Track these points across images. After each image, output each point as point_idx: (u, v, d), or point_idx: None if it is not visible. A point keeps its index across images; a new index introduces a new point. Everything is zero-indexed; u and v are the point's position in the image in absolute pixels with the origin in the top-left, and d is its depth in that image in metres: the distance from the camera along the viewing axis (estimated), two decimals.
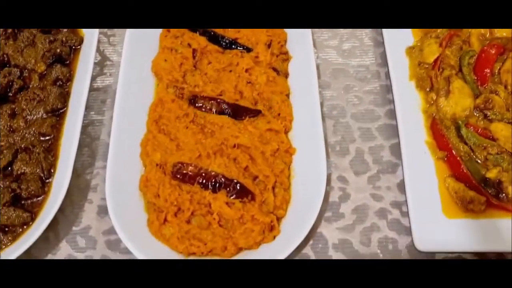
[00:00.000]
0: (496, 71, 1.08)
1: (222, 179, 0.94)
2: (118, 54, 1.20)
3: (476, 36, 1.13)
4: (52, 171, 0.98)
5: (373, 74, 1.16)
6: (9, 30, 1.14)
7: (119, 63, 1.15)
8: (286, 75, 1.10)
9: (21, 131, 1.02)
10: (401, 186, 1.00)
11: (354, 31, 1.22)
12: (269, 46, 1.11)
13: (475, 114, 1.04)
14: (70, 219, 0.98)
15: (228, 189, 0.93)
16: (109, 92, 1.14)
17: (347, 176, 1.03)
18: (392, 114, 1.09)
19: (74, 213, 0.99)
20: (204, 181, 0.94)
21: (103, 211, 0.99)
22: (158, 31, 1.16)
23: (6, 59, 1.11)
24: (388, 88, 1.13)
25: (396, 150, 1.04)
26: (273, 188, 0.95)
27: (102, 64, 1.19)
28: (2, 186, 0.95)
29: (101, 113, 1.11)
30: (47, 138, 1.02)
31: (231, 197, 0.92)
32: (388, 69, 1.08)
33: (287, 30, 1.14)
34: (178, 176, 0.95)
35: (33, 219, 0.93)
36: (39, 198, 0.96)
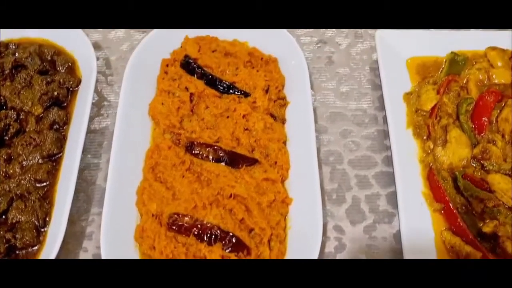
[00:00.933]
0: (494, 119, 1.08)
1: (218, 232, 0.94)
2: (116, 94, 1.20)
3: (474, 82, 1.13)
4: (48, 219, 0.98)
5: (371, 118, 1.16)
6: (7, 71, 1.14)
7: (117, 104, 1.15)
8: (283, 121, 1.10)
9: (17, 177, 1.02)
10: (397, 237, 1.00)
11: (352, 73, 1.22)
12: (266, 91, 1.11)
13: (473, 164, 1.04)
14: None
15: (224, 242, 0.93)
16: (106, 134, 1.14)
17: (343, 225, 1.02)
18: (389, 161, 1.09)
19: None
20: (200, 232, 0.94)
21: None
22: (156, 72, 1.16)
23: (3, 101, 1.11)
24: (385, 134, 1.13)
25: (392, 198, 1.04)
26: (269, 241, 0.94)
27: (99, 105, 1.18)
28: None
29: (98, 156, 1.11)
30: (43, 184, 1.02)
31: (227, 251, 0.92)
32: (385, 115, 1.09)
33: (285, 74, 1.14)
34: (174, 227, 0.95)
35: None
36: (34, 248, 0.96)
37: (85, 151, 1.09)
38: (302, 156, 1.03)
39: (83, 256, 0.99)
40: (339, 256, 0.99)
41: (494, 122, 1.08)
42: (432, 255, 0.94)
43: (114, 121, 1.14)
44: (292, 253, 0.94)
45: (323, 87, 1.20)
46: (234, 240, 0.93)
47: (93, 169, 1.09)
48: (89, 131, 1.13)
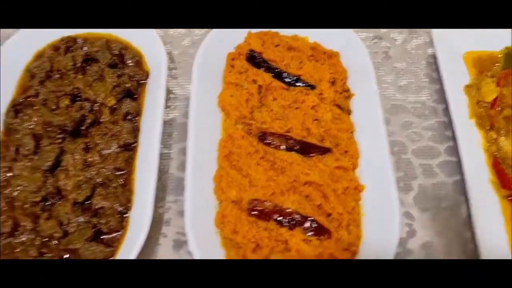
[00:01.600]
0: None
1: (298, 216, 0.97)
2: (181, 87, 1.23)
3: None
4: (129, 205, 1.01)
5: (430, 110, 1.19)
6: (78, 64, 1.18)
7: (183, 96, 1.20)
8: (349, 112, 1.13)
9: (97, 166, 1.05)
10: (466, 223, 1.04)
11: (409, 67, 1.26)
12: (332, 83, 1.15)
13: None
14: (146, 253, 1.01)
15: (304, 226, 0.96)
16: (174, 126, 1.17)
17: (413, 212, 1.06)
18: (451, 151, 1.13)
19: (150, 248, 1.01)
20: (280, 217, 0.97)
21: (178, 245, 1.02)
22: (220, 66, 1.19)
23: (77, 93, 1.14)
24: (446, 125, 1.17)
25: (458, 187, 1.08)
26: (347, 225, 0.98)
27: (166, 97, 1.21)
28: (83, 220, 0.98)
29: (168, 147, 1.14)
30: (122, 172, 1.05)
31: (308, 234, 0.96)
32: (447, 107, 1.13)
33: (348, 67, 1.18)
34: (254, 213, 0.98)
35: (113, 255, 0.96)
36: (117, 233, 0.99)
37: None
38: (371, 145, 1.06)
39: (162, 241, 1.03)
40: (411, 241, 1.02)
41: None
42: (503, 239, 0.98)
43: (182, 113, 1.18)
44: (368, 238, 0.98)
45: (382, 81, 1.23)
46: (315, 225, 0.96)
47: (165, 158, 1.12)
48: None
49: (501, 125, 1.09)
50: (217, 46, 1.20)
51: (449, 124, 1.15)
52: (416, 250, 1.01)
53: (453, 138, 1.11)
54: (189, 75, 1.23)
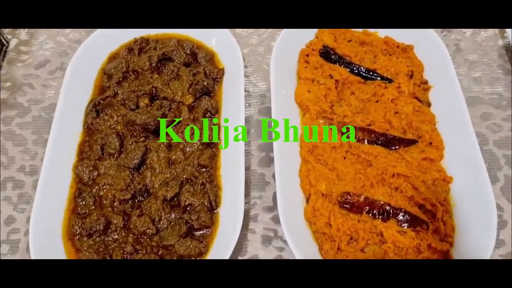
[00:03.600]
0: None
1: (390, 208, 0.96)
2: (253, 84, 1.24)
3: None
4: (218, 201, 1.01)
5: (508, 101, 1.18)
6: (153, 64, 1.19)
7: (255, 94, 1.20)
8: (429, 104, 1.12)
9: (181, 163, 1.05)
10: None
11: (481, 59, 1.25)
12: (410, 76, 1.14)
13: None
14: (236, 250, 1.00)
15: (397, 218, 0.96)
16: (251, 123, 1.17)
17: (501, 203, 1.04)
18: None
19: (239, 243, 1.01)
20: (372, 210, 0.97)
21: (267, 240, 1.01)
22: (292, 62, 1.19)
23: (155, 92, 1.15)
24: None
25: None
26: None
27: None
28: (175, 217, 0.98)
29: (247, 143, 1.14)
30: (207, 169, 1.05)
31: (403, 226, 0.95)
32: None
33: (425, 61, 1.17)
34: (346, 205, 0.98)
35: (206, 251, 0.96)
36: (208, 229, 0.99)
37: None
38: (456, 136, 1.05)
39: (251, 237, 1.02)
40: (502, 233, 1.01)
41: None
42: None
43: (256, 110, 1.19)
44: (463, 229, 0.96)
45: (456, 73, 1.22)
46: (408, 216, 0.95)
47: (245, 155, 1.12)
48: None
49: None
50: (289, 44, 1.20)
51: None
52: (508, 241, 1.00)
53: None
54: (260, 72, 1.25)
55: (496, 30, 1.29)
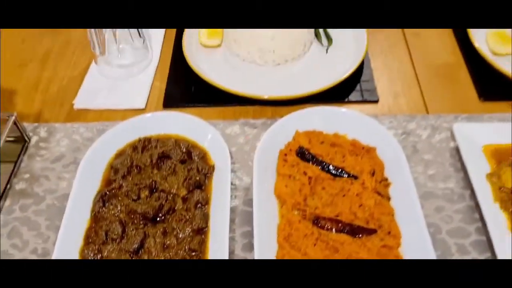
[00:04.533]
0: None
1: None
2: (239, 179, 1.43)
3: None
4: None
5: (458, 195, 1.37)
6: (154, 161, 1.39)
7: (241, 187, 1.39)
8: (389, 198, 1.31)
9: (174, 247, 1.22)
10: None
11: (436, 158, 1.45)
12: (372, 174, 1.34)
13: None
14: None
15: None
16: (236, 212, 1.35)
17: None
18: (480, 231, 1.29)
19: None
20: None
21: None
22: (273, 160, 1.40)
23: (154, 185, 1.34)
24: (473, 208, 1.33)
25: None
26: None
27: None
28: None
29: (232, 231, 1.31)
30: (196, 253, 1.22)
31: None
32: (472, 192, 1.31)
33: (384, 160, 1.37)
34: None
35: None
36: None
37: None
38: (410, 226, 1.23)
39: None
40: None
41: None
42: None
43: (241, 201, 1.37)
44: None
45: (413, 170, 1.42)
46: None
47: (230, 241, 1.29)
48: None
49: None
50: (270, 144, 1.41)
51: (476, 207, 1.32)
52: None
53: (481, 219, 1.28)
54: (245, 168, 1.45)
55: (448, 133, 1.50)
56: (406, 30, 1.90)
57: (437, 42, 1.83)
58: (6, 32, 1.97)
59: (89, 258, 1.20)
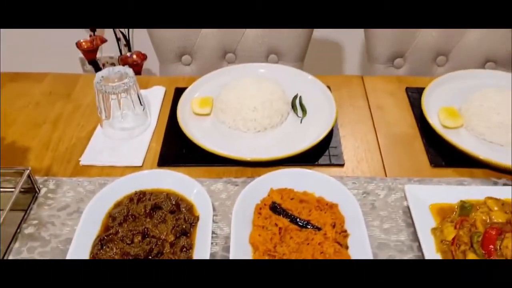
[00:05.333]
0: (498, 247, 1.51)
1: None
2: (220, 228, 1.65)
3: (479, 221, 1.59)
4: None
5: (408, 247, 1.59)
6: (147, 211, 1.61)
7: (222, 235, 1.61)
8: (347, 247, 1.53)
9: None
10: None
11: (390, 215, 1.69)
12: (333, 226, 1.57)
13: None
14: None
15: None
16: (216, 257, 1.56)
17: None
18: None
19: None
20: None
21: None
22: (249, 213, 1.62)
23: (146, 231, 1.56)
24: (420, 258, 1.55)
25: None
26: None
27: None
28: None
29: None
30: None
31: None
32: (419, 244, 1.53)
33: (345, 215, 1.61)
34: None
35: None
36: None
37: None
38: None
39: None
40: None
41: (498, 249, 1.51)
42: None
43: (221, 248, 1.58)
44: None
45: (370, 224, 1.65)
46: None
47: None
48: None
49: (460, 258, 1.48)
50: (248, 200, 1.65)
51: (422, 257, 1.54)
52: None
53: None
54: (226, 220, 1.67)
55: (402, 194, 1.75)
56: (371, 103, 2.19)
57: (398, 115, 2.12)
58: (23, 95, 2.25)
59: None
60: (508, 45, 2.74)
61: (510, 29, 2.69)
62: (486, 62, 2.82)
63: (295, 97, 2.13)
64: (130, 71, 1.95)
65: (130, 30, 4.30)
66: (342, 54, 4.05)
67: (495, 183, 1.78)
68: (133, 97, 1.97)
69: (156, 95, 2.22)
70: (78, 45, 4.07)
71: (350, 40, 3.91)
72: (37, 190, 1.76)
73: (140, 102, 2.01)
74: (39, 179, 1.81)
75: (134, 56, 4.24)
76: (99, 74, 1.92)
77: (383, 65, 2.85)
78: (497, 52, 2.77)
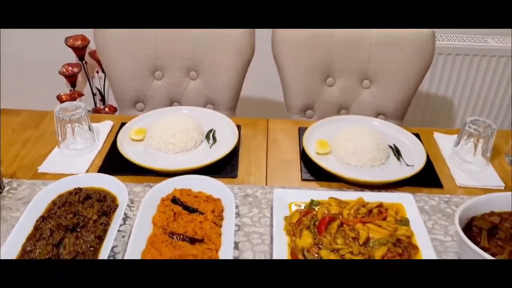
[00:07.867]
0: (328, 229, 2.11)
1: None
2: (134, 214, 2.24)
3: (321, 213, 2.20)
4: None
5: (265, 226, 2.18)
6: (81, 199, 2.22)
7: (134, 218, 2.20)
8: (220, 226, 2.13)
9: (81, 245, 1.99)
10: None
11: (261, 209, 2.29)
12: (213, 211, 2.17)
13: (314, 247, 2.03)
14: None
15: None
16: (126, 231, 2.14)
17: None
18: None
19: None
20: None
21: None
22: (156, 203, 2.23)
23: (77, 212, 2.15)
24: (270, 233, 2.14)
25: None
26: None
27: (125, 219, 2.22)
28: None
29: (121, 238, 2.09)
30: (94, 247, 1.99)
31: None
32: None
33: (224, 206, 2.21)
34: None
35: None
36: None
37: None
38: (225, 237, 2.03)
39: None
40: None
41: (328, 229, 2.11)
42: None
43: (132, 227, 2.17)
44: None
45: (242, 214, 2.26)
46: None
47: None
48: (119, 231, 2.14)
49: (298, 233, 2.08)
50: (156, 194, 2.26)
51: (271, 232, 2.13)
52: None
53: None
54: (139, 208, 2.27)
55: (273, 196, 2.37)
56: (269, 138, 2.86)
57: (287, 146, 2.79)
58: (4, 125, 2.90)
59: (27, 249, 1.96)
60: (395, 101, 3.47)
61: (397, 89, 3.43)
62: (378, 115, 3.53)
63: (210, 131, 2.80)
64: (83, 104, 2.63)
65: (106, 86, 5.06)
66: (267, 107, 4.81)
67: (344, 191, 2.41)
68: (84, 125, 2.63)
69: (105, 126, 2.89)
70: (59, 97, 4.80)
71: (273, 96, 4.66)
72: (2, 187, 2.36)
73: (90, 129, 2.66)
74: (5, 180, 2.41)
75: (107, 109, 4.96)
76: (59, 105, 2.59)
77: (297, 115, 3.55)
78: (386, 107, 3.49)
